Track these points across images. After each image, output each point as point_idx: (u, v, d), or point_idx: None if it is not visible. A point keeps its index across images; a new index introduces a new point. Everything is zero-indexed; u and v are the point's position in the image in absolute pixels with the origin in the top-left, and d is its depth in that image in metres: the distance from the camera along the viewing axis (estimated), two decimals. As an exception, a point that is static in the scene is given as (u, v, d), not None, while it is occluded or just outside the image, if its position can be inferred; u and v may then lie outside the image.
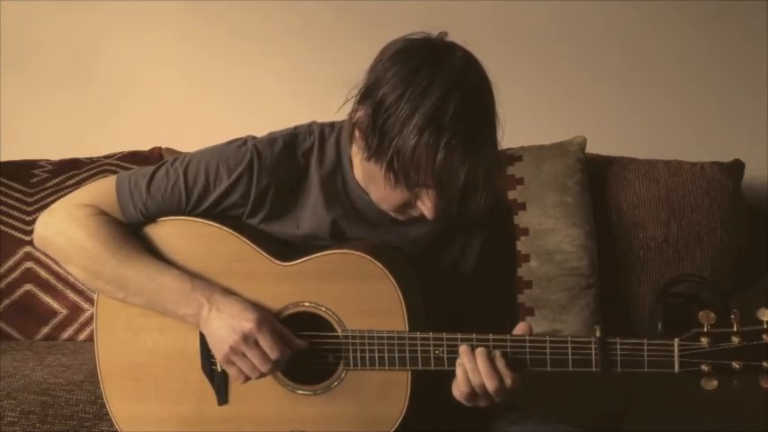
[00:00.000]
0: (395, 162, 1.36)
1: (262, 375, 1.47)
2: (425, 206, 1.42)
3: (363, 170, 1.48)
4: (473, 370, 1.38)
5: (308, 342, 1.48)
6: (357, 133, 1.43)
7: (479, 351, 1.39)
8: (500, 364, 1.38)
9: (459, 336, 1.41)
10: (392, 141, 1.35)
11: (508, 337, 1.40)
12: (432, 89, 1.33)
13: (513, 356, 1.39)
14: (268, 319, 1.47)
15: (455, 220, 1.50)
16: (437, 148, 1.33)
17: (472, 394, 1.40)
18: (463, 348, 1.40)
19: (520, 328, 1.41)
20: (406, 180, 1.38)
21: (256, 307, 1.47)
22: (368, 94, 1.39)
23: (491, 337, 1.40)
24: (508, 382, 1.38)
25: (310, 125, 1.58)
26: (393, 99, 1.35)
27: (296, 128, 1.58)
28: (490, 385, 1.37)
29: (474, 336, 1.40)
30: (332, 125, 1.57)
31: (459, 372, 1.40)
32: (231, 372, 1.49)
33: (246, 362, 1.46)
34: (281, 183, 1.53)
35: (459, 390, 1.41)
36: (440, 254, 1.57)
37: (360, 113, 1.41)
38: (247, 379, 1.48)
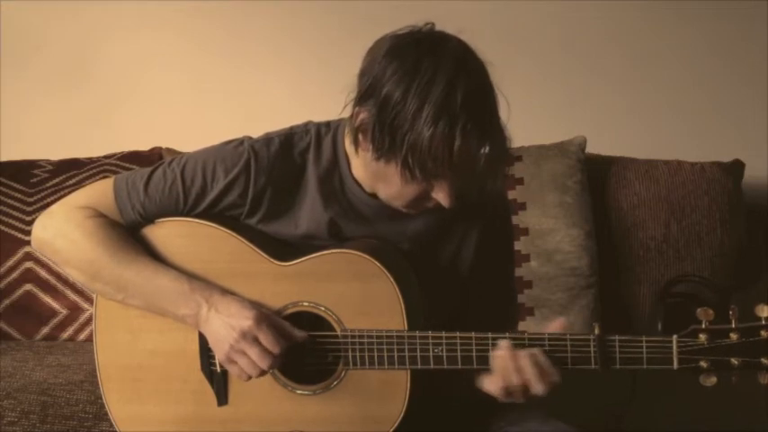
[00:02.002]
0: (410, 157, 1.35)
1: (263, 373, 1.47)
2: (443, 194, 1.41)
3: (370, 171, 1.46)
4: (516, 368, 1.37)
5: (308, 335, 1.48)
6: (361, 136, 1.42)
7: (524, 353, 1.37)
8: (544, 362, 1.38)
9: (458, 335, 1.41)
10: (405, 137, 1.34)
11: (507, 335, 1.40)
12: (437, 79, 1.33)
13: None
14: (267, 315, 1.46)
15: (459, 209, 1.49)
16: (453, 135, 1.33)
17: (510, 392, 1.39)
18: (504, 346, 1.39)
19: (557, 325, 1.42)
20: (423, 172, 1.37)
21: (255, 305, 1.47)
22: (369, 94, 1.38)
23: (490, 335, 1.40)
24: (555, 378, 1.38)
25: (306, 125, 1.58)
26: (399, 95, 1.34)
27: (292, 128, 1.58)
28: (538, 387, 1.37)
29: (473, 334, 1.40)
30: (328, 124, 1.56)
31: (496, 366, 1.38)
32: (233, 371, 1.49)
33: (247, 359, 1.45)
34: (279, 182, 1.53)
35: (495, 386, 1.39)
36: (438, 250, 1.56)
37: (362, 116, 1.40)
38: (249, 377, 1.48)
